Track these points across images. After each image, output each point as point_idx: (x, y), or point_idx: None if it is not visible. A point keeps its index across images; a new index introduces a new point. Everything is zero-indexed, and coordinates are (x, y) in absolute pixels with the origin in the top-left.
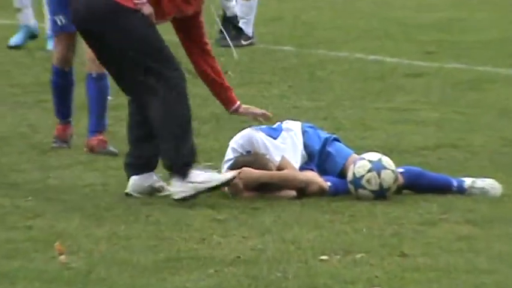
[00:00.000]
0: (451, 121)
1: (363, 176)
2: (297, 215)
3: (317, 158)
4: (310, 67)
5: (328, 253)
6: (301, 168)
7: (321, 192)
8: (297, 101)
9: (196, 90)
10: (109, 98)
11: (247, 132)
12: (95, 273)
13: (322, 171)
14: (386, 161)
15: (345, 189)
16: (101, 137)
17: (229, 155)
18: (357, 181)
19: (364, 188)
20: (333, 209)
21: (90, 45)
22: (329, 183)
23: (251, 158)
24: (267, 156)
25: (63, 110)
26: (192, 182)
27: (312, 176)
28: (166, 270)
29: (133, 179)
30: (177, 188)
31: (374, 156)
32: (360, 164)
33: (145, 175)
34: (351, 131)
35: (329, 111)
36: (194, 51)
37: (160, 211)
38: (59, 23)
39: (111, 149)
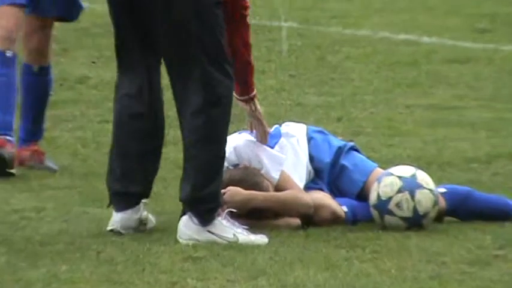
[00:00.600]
0: (509, 123)
1: (390, 197)
2: (301, 251)
3: (328, 174)
4: (318, 49)
5: None
6: (307, 188)
7: (334, 220)
8: (301, 96)
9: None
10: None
11: (233, 138)
12: None
13: (336, 192)
14: (423, 178)
15: (367, 215)
16: (35, 147)
17: None
18: (382, 205)
19: (392, 213)
20: (350, 243)
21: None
22: (345, 208)
23: (239, 174)
24: (261, 172)
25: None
26: (213, 233)
27: (322, 198)
28: None
29: (125, 213)
30: (188, 231)
31: (406, 170)
32: (387, 182)
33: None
34: (374, 136)
35: (344, 109)
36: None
37: (114, 246)
38: None
39: (50, 163)
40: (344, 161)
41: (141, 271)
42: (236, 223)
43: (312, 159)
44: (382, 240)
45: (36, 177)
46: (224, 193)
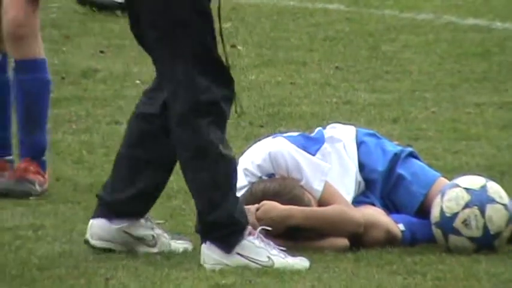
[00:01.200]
0: None
1: (456, 213)
2: (349, 278)
3: (381, 185)
4: (370, 36)
5: None
6: (356, 202)
7: (389, 240)
8: (350, 93)
9: None
10: None
11: (268, 143)
12: None
13: (390, 207)
14: (495, 190)
15: (428, 235)
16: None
17: (240, 180)
18: (447, 222)
19: (458, 233)
20: (407, 268)
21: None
22: (401, 227)
23: (275, 186)
24: (301, 183)
25: None
26: (243, 256)
27: (374, 214)
28: None
29: (96, 220)
30: (214, 255)
31: (475, 181)
32: (452, 195)
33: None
34: (438, 141)
35: (401, 108)
36: None
37: (126, 270)
38: None
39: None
40: (401, 170)
41: None
42: (272, 243)
43: (362, 168)
44: (446, 265)
45: None
46: (258, 209)
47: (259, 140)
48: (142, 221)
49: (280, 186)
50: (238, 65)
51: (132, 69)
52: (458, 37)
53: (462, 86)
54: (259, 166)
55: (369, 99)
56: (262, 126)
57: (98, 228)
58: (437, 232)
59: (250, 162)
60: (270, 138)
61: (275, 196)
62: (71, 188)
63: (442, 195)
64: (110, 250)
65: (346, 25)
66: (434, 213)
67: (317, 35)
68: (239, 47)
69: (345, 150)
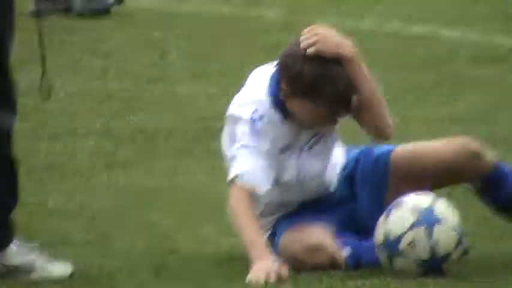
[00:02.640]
0: None
1: (402, 235)
2: None
3: (349, 170)
4: None
5: None
6: (307, 220)
7: (332, 265)
8: None
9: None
10: None
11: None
12: None
13: (359, 189)
14: (443, 210)
15: (373, 258)
16: None
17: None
18: (391, 244)
19: (404, 255)
20: None
21: None
22: (347, 251)
23: None
24: None
25: None
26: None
27: (320, 237)
28: None
29: None
30: None
31: (422, 200)
32: (397, 216)
33: None
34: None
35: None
36: None
37: None
38: None
39: None
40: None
41: None
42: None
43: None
44: None
45: None
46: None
47: None
48: (13, 247)
49: None
50: (169, 76)
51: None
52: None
53: (407, 98)
54: None
55: None
56: (193, 141)
57: None
58: (382, 254)
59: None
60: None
61: None
62: None
63: (387, 215)
64: None
65: (284, 33)
66: (378, 235)
67: (254, 44)
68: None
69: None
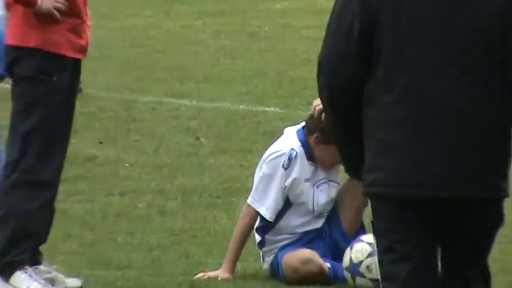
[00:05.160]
0: None
1: (361, 261)
2: None
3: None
4: None
5: None
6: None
7: (320, 274)
8: None
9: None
10: None
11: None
12: None
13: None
14: None
15: (343, 275)
16: None
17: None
18: (354, 267)
19: (363, 276)
20: None
21: None
22: (328, 264)
23: None
24: None
25: None
26: (14, 287)
27: (310, 253)
28: None
29: None
30: None
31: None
32: (358, 248)
33: None
34: None
35: None
36: None
37: None
38: None
39: None
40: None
41: None
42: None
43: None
44: None
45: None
46: None
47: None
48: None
49: None
50: (201, 152)
51: (123, 155)
52: None
53: None
54: None
55: None
56: (218, 197)
57: None
58: (347, 275)
59: None
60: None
61: None
62: (76, 243)
63: (351, 248)
64: None
65: (280, 123)
66: (345, 261)
67: (259, 130)
68: (202, 139)
69: None
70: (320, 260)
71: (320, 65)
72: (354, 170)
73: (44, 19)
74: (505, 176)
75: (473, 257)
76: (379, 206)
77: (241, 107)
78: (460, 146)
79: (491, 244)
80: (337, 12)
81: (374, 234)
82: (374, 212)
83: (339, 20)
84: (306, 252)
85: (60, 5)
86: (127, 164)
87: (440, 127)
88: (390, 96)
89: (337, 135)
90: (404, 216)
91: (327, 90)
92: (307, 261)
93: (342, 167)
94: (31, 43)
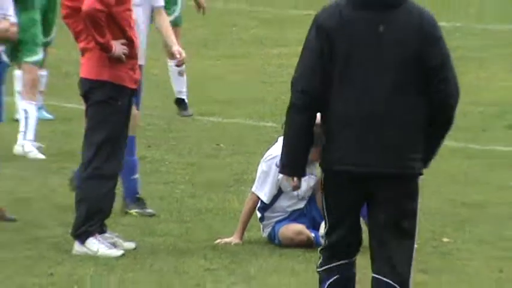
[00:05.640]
0: None
1: None
2: (277, 264)
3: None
4: None
5: None
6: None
7: (309, 243)
8: None
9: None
10: None
11: None
12: None
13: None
14: None
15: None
16: None
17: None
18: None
19: None
20: (307, 259)
21: None
22: (313, 233)
23: None
24: None
25: None
26: (88, 249)
27: (300, 226)
28: None
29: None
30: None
31: None
32: None
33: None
34: None
35: None
36: None
37: (162, 261)
38: None
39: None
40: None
41: (178, 277)
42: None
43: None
44: None
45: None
46: None
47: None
48: (107, 234)
49: None
50: (220, 154)
51: (164, 156)
52: None
53: None
54: None
55: None
56: (231, 186)
57: None
58: (323, 241)
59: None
60: None
61: None
62: (131, 218)
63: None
64: None
65: (275, 134)
66: (321, 231)
67: (261, 139)
68: (222, 145)
69: None
70: (307, 231)
71: (294, 79)
72: (298, 165)
73: (114, 60)
74: (417, 159)
75: (393, 219)
76: (332, 182)
77: (249, 122)
78: (385, 137)
79: (411, 211)
80: (307, 45)
81: (323, 205)
82: (324, 187)
83: (309, 50)
84: (298, 226)
85: (126, 51)
86: (167, 162)
87: (372, 124)
88: (341, 98)
89: (297, 133)
90: (346, 187)
91: (299, 95)
92: (300, 233)
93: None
94: (104, 77)
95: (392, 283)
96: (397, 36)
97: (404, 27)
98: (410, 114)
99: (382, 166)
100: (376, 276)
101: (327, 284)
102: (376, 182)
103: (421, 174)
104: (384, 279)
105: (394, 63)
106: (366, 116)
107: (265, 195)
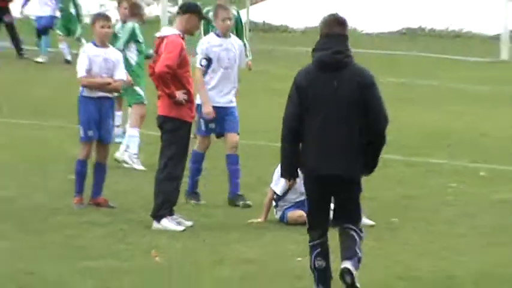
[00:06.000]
0: None
1: None
2: (285, 235)
3: None
4: None
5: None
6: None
7: (304, 221)
8: None
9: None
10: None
11: None
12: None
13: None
14: None
15: None
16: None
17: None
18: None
19: None
20: (305, 233)
21: None
22: (304, 213)
23: None
24: None
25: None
26: (162, 225)
27: (297, 210)
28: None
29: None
30: (155, 225)
31: None
32: None
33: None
34: None
35: None
36: None
37: (212, 235)
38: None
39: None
40: None
41: (220, 236)
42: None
43: None
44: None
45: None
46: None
47: None
48: (174, 216)
49: None
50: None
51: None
52: None
53: None
54: None
55: None
56: (256, 186)
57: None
58: None
59: None
60: None
61: None
62: (188, 205)
63: None
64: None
65: None
66: None
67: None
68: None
69: None
70: (302, 212)
71: (284, 118)
72: (291, 171)
73: (177, 103)
74: (357, 167)
75: (348, 211)
76: (307, 181)
77: (262, 143)
78: (337, 151)
79: (357, 205)
80: (290, 96)
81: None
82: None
83: (291, 100)
84: (300, 212)
85: (186, 97)
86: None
87: (329, 142)
88: (312, 128)
89: (288, 152)
90: (317, 186)
91: (287, 128)
92: (301, 216)
93: None
94: (172, 114)
95: (349, 224)
96: (345, 87)
97: (350, 81)
98: (353, 137)
99: (337, 170)
100: (339, 228)
101: (314, 254)
102: (335, 181)
103: (360, 176)
104: (343, 225)
105: (345, 105)
106: (328, 137)
107: (279, 190)
